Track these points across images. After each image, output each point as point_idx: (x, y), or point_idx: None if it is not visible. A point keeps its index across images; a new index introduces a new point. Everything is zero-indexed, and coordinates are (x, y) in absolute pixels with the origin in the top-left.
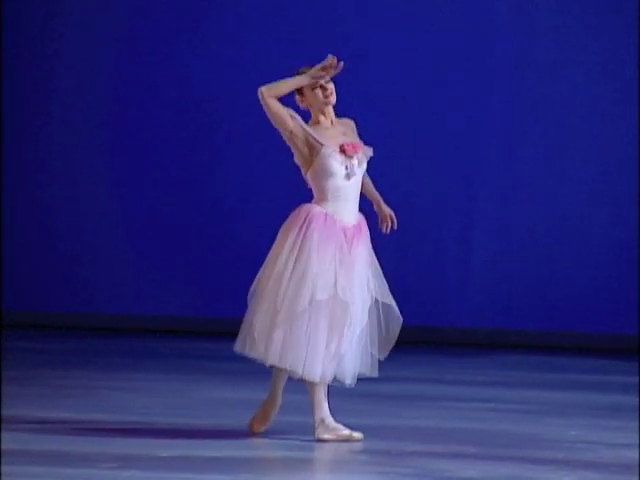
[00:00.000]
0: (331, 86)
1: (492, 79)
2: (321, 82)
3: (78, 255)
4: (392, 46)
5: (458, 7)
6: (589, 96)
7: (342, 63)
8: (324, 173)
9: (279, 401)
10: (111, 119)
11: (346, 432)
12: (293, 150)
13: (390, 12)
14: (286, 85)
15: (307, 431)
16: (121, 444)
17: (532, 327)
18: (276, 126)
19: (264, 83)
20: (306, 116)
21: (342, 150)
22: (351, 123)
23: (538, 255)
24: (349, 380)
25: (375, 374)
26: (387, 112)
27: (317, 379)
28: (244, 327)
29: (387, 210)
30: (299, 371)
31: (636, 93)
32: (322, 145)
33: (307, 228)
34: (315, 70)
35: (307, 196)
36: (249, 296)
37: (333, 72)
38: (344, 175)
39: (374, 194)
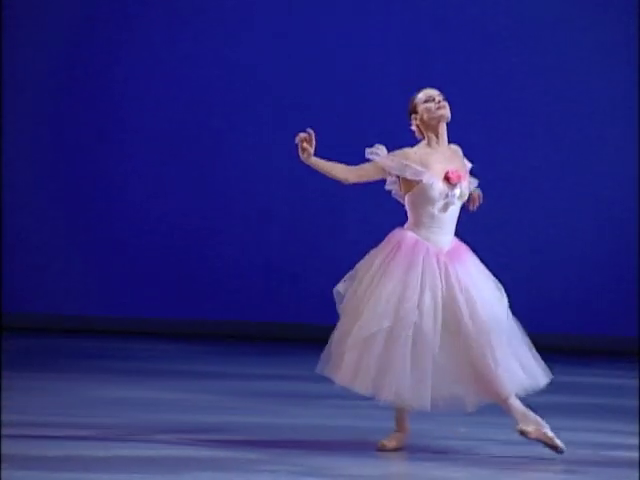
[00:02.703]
0: (444, 102)
1: (493, 81)
2: (434, 97)
3: None
4: (392, 45)
5: (460, 9)
6: (589, 96)
7: (311, 131)
8: (422, 200)
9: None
10: (108, 120)
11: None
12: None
13: (390, 12)
14: (326, 172)
15: (201, 430)
16: (12, 445)
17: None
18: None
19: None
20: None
21: (446, 177)
22: (458, 150)
23: (536, 257)
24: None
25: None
26: (385, 112)
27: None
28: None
29: (477, 191)
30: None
31: (636, 91)
32: (424, 172)
33: (396, 252)
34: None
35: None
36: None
37: (310, 144)
38: (442, 205)
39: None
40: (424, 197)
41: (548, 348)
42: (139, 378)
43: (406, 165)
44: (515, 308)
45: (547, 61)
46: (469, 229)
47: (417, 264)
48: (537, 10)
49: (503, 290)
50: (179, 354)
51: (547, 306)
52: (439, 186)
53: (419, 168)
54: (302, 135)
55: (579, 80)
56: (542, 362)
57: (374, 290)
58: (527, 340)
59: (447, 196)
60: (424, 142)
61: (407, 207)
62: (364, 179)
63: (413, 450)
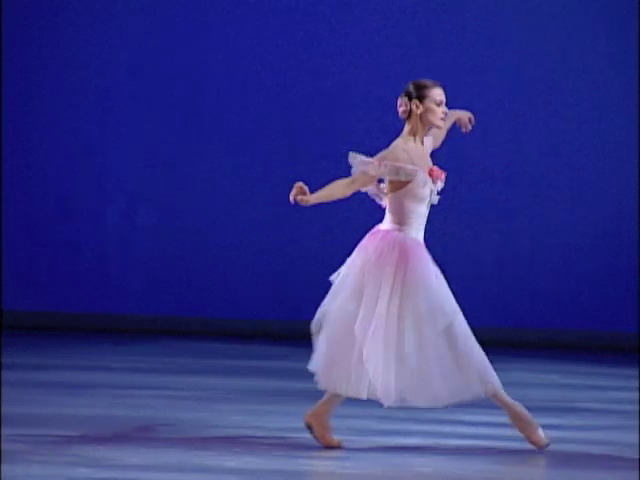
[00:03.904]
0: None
1: (491, 81)
2: (443, 103)
3: None
4: (392, 44)
5: (464, 9)
6: (589, 96)
7: (302, 184)
8: (414, 198)
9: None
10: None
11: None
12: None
13: (391, 11)
14: (327, 200)
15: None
16: None
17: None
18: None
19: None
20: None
21: (431, 174)
22: (426, 140)
23: (536, 255)
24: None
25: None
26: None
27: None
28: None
29: (466, 114)
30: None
31: (637, 91)
32: (418, 171)
33: (406, 264)
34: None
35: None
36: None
37: (304, 193)
38: (428, 201)
39: (450, 116)
40: (415, 195)
41: (547, 344)
42: None
43: (399, 168)
44: (515, 305)
45: (547, 61)
46: (466, 227)
47: (428, 268)
48: (537, 10)
49: None
50: None
51: (547, 303)
52: (430, 184)
53: (411, 167)
54: (295, 191)
55: (579, 79)
56: None
57: (405, 306)
58: None
59: (431, 192)
60: (407, 134)
61: (391, 205)
62: (360, 189)
63: (188, 439)
